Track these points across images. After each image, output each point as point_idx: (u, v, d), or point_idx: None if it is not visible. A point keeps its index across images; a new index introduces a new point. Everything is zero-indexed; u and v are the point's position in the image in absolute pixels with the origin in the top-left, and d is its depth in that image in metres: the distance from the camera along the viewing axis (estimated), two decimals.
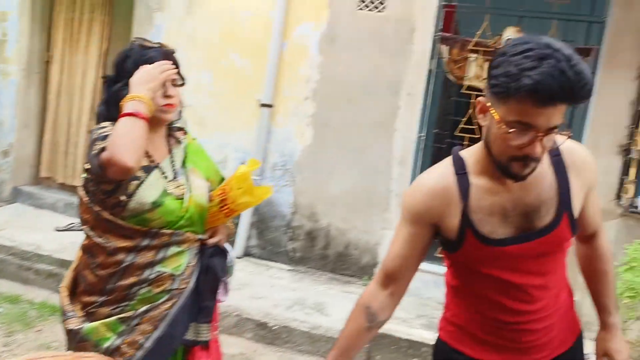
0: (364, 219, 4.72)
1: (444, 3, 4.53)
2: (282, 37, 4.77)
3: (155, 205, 1.78)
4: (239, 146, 4.95)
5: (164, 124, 1.93)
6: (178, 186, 1.88)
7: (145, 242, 1.79)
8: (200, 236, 1.95)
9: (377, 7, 4.57)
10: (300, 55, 4.79)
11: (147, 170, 1.82)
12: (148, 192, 1.78)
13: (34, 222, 5.14)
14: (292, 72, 4.81)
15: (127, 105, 1.69)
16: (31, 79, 5.60)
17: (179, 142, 2.01)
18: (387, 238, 4.66)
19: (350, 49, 4.66)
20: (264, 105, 4.83)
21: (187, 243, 1.88)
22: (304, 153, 4.83)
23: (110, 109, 1.83)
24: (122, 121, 1.67)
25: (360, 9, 4.60)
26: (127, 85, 1.77)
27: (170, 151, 1.95)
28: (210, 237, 2.00)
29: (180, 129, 2.07)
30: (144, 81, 1.72)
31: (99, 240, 1.79)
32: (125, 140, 1.63)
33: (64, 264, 4.39)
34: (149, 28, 5.08)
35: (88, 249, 1.85)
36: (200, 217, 1.94)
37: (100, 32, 5.50)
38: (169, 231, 1.82)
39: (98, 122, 1.87)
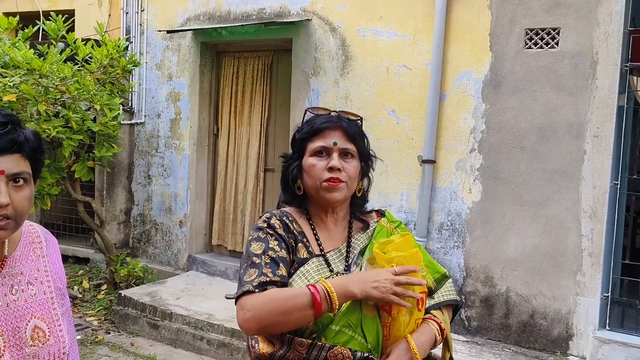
0: (551, 284, 4.09)
1: (630, 29, 3.90)
2: (440, 87, 4.47)
3: None
4: (401, 207, 4.67)
5: (336, 206, 1.59)
6: None
7: (281, 352, 1.43)
8: (363, 354, 1.41)
9: (548, 44, 4.08)
10: (462, 105, 4.43)
11: (302, 262, 1.51)
12: (297, 281, 1.46)
13: (206, 290, 5.30)
14: (453, 123, 4.47)
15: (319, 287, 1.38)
16: (201, 152, 5.95)
17: (367, 227, 1.64)
18: (582, 306, 3.97)
19: (519, 92, 4.20)
20: (425, 161, 4.52)
21: None
22: (473, 210, 4.39)
23: (284, 189, 1.65)
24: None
25: (529, 47, 4.14)
26: (296, 160, 1.59)
27: (348, 239, 1.60)
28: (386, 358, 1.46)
29: (380, 212, 1.72)
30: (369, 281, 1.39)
31: (251, 342, 1.52)
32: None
33: (235, 333, 4.40)
34: (306, 93, 5.12)
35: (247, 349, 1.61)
36: (371, 325, 1.44)
37: (261, 102, 5.70)
38: (306, 340, 1.40)
39: (278, 203, 1.70)
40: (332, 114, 1.59)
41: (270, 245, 1.49)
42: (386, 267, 1.44)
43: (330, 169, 1.51)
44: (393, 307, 1.45)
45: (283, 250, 1.49)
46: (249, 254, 1.49)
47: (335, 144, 1.53)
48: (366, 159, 1.62)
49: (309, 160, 1.55)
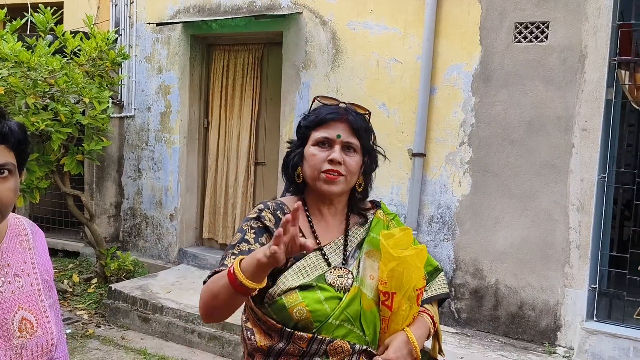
0: (539, 276, 4.13)
1: (618, 23, 3.93)
2: (430, 81, 4.48)
3: (298, 288, 1.41)
4: (392, 200, 4.69)
5: (333, 198, 1.56)
6: (344, 274, 1.48)
7: (280, 346, 1.42)
8: (361, 346, 1.44)
9: (537, 37, 4.10)
10: (452, 99, 4.45)
11: (299, 257, 1.46)
12: (293, 276, 1.43)
13: (197, 284, 5.30)
14: (444, 117, 4.48)
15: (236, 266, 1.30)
16: (192, 145, 5.93)
17: (365, 220, 1.62)
18: (569, 297, 4.01)
19: (508, 86, 4.22)
20: (415, 154, 4.54)
21: (339, 356, 1.42)
22: (462, 203, 4.42)
23: (284, 175, 1.63)
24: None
25: (518, 41, 4.16)
26: (299, 147, 1.57)
27: (345, 231, 1.57)
28: (383, 352, 1.46)
29: (375, 204, 1.70)
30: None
31: (247, 333, 1.51)
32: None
33: (226, 326, 4.41)
34: (297, 86, 5.12)
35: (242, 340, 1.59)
36: (370, 318, 1.46)
37: (252, 96, 5.69)
38: (306, 335, 1.40)
39: (283, 191, 1.68)
40: (341, 105, 1.57)
41: (246, 237, 1.47)
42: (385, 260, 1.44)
43: (331, 161, 1.49)
44: (394, 302, 1.46)
45: (257, 244, 1.46)
46: (227, 248, 1.49)
47: (338, 136, 1.51)
48: (369, 154, 1.59)
49: (310, 150, 1.53)
